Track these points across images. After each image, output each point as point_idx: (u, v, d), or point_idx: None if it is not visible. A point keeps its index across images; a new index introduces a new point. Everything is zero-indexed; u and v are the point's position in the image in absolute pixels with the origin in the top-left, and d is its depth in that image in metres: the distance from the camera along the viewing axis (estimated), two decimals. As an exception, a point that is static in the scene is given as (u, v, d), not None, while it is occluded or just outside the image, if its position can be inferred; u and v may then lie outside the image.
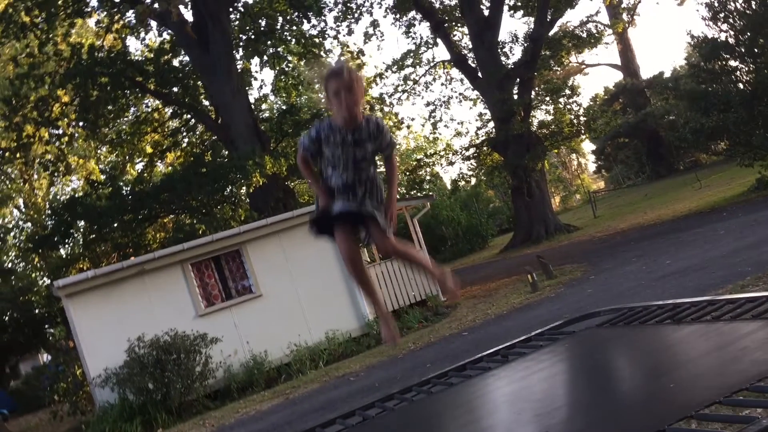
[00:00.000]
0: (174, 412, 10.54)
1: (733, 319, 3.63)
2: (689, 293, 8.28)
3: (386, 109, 29.45)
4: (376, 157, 3.05)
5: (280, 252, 12.70)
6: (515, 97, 24.89)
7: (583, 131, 27.62)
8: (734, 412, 2.84)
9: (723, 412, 2.81)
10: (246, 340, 11.95)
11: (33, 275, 31.74)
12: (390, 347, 9.48)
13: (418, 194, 27.31)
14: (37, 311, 27.42)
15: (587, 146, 49.44)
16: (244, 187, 18.95)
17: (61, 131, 23.88)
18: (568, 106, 26.87)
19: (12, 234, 34.05)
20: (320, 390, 9.54)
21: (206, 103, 24.23)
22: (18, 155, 23.63)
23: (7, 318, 26.91)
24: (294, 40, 26.45)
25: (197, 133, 26.40)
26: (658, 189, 32.97)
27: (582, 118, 26.96)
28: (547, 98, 27.29)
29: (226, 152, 21.74)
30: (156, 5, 19.31)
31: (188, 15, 21.97)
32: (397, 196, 3.28)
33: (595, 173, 58.95)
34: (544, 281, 13.48)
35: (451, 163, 29.52)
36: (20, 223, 35.06)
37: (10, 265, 32.80)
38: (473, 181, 33.52)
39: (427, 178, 34.18)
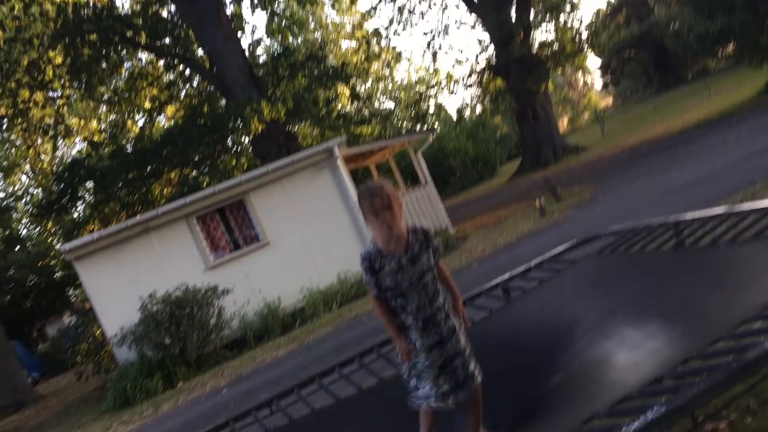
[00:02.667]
0: (193, 365, 10.65)
1: (737, 236, 3.48)
2: (698, 206, 8.08)
3: (383, 43, 28.79)
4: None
5: (284, 198, 12.57)
6: (513, 18, 24.17)
7: (586, 48, 26.92)
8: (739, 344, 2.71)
9: (731, 344, 2.69)
10: (258, 289, 11.95)
11: (49, 240, 31.97)
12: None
13: (423, 127, 26.97)
14: (57, 275, 27.79)
15: (593, 63, 48.43)
16: (244, 136, 18.72)
17: (56, 93, 23.58)
18: (569, 23, 26.12)
19: (23, 201, 34.18)
20: (334, 333, 9.56)
21: (200, 53, 23.76)
22: (17, 121, 23.44)
23: (29, 284, 27.31)
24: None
25: (194, 84, 26.01)
26: (667, 100, 32.33)
27: (584, 34, 26.24)
28: (547, 16, 26.49)
29: (224, 101, 21.42)
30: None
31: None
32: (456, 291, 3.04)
33: (602, 90, 57.90)
34: (553, 205, 13.32)
35: (452, 93, 29.02)
36: (30, 189, 35.14)
37: (24, 232, 33.08)
38: (478, 109, 33.04)
39: (431, 110, 33.68)
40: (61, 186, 18.65)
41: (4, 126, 24.96)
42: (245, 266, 12.19)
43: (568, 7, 26.30)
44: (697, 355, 2.42)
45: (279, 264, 12.23)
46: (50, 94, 23.60)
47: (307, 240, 12.43)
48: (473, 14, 27.08)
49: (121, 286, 11.36)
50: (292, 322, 11.69)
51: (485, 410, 2.90)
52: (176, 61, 23.71)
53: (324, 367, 4.33)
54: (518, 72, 23.92)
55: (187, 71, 24.81)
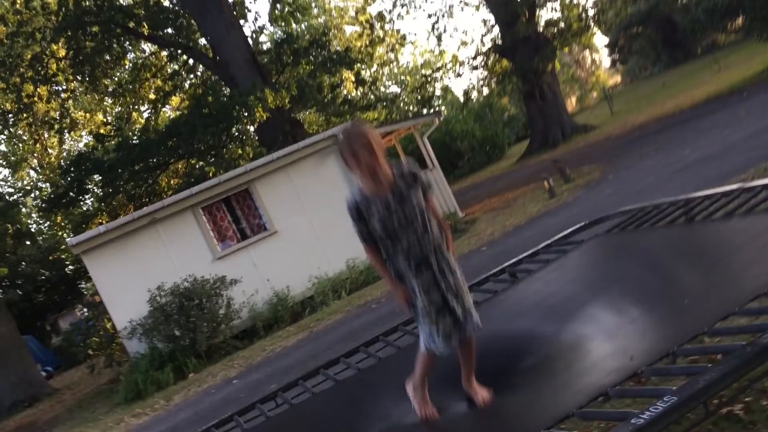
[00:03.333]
0: (203, 356, 10.62)
1: (748, 212, 3.36)
2: (710, 183, 7.95)
3: (387, 27, 28.52)
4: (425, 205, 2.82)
5: (290, 186, 12.48)
6: (518, -3, 23.85)
7: (592, 25, 26.57)
8: (750, 322, 2.61)
9: (741, 322, 2.58)
10: (267, 278, 11.90)
11: (59, 233, 32.10)
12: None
13: (429, 111, 26.73)
14: (69, 268, 27.95)
15: (600, 41, 47.91)
16: (249, 124, 18.63)
17: (61, 87, 23.56)
18: (575, 1, 25.75)
19: (31, 195, 34.29)
20: (343, 321, 9.50)
21: (203, 42, 23.62)
22: (22, 116, 23.45)
23: (41, 278, 27.47)
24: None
25: (198, 74, 25.90)
26: (676, 76, 31.94)
27: (591, 12, 25.89)
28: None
29: (228, 90, 21.31)
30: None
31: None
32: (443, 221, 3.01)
33: (610, 68, 57.33)
34: (562, 186, 13.17)
35: (459, 75, 28.75)
36: (38, 184, 35.24)
37: (34, 226, 33.21)
38: (485, 91, 32.74)
39: (438, 93, 33.40)
40: (68, 180, 18.65)
41: (11, 122, 25.00)
42: (253, 256, 12.13)
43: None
44: (708, 331, 2.32)
45: (287, 252, 12.16)
46: (54, 87, 23.58)
47: (314, 227, 12.35)
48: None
49: (130, 279, 11.32)
50: (301, 310, 11.64)
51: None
52: (179, 51, 23.59)
53: (330, 356, 4.28)
54: (524, 52, 23.65)
55: (191, 61, 24.68)
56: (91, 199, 24.58)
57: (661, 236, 3.62)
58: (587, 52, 53.67)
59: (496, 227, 11.87)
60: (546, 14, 26.63)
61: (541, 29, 25.12)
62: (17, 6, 21.30)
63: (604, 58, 56.11)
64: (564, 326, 2.96)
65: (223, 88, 21.86)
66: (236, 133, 19.38)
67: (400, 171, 2.77)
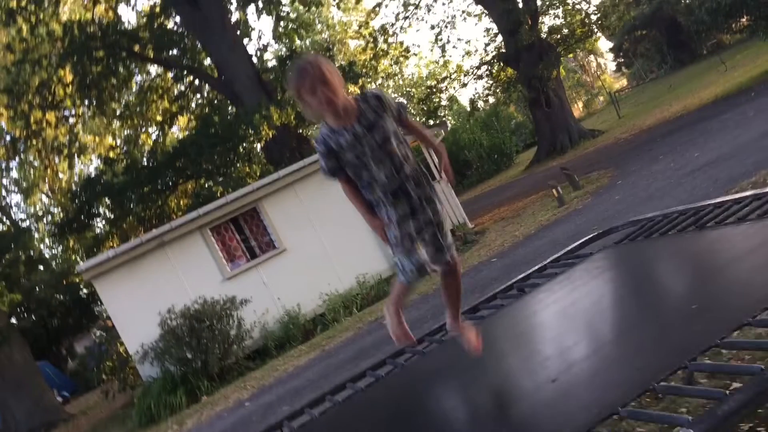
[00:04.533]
0: (215, 378, 10.57)
1: (761, 217, 3.26)
2: (720, 186, 7.84)
3: (390, 40, 28.57)
4: (400, 131, 2.71)
5: (298, 203, 12.45)
6: (520, 5, 23.85)
7: (596, 30, 26.52)
8: (765, 336, 2.51)
9: (752, 335, 2.48)
10: (277, 297, 11.85)
11: (72, 257, 32.24)
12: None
13: (435, 121, 26.68)
14: (83, 291, 28.01)
15: (604, 45, 47.82)
16: (256, 142, 18.65)
17: (68, 112, 23.73)
18: (578, 6, 25.73)
19: (43, 220, 34.50)
20: (354, 338, 9.41)
21: (208, 62, 23.74)
22: (31, 143, 23.61)
23: (55, 303, 27.54)
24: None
25: (205, 93, 26.03)
26: (683, 78, 31.79)
27: (594, 17, 25.83)
28: (554, 1, 26.11)
29: (234, 109, 21.37)
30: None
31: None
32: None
33: (615, 72, 57.21)
34: (571, 193, 13.06)
35: (464, 85, 28.73)
36: (50, 209, 35.46)
37: (47, 251, 33.38)
38: (491, 99, 32.70)
39: (444, 103, 33.36)
40: (78, 205, 18.72)
41: (21, 148, 25.18)
42: (263, 274, 12.08)
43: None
44: (721, 343, 2.22)
45: (296, 270, 12.10)
46: (62, 113, 23.75)
47: (323, 244, 12.30)
48: (479, 5, 26.79)
49: (141, 302, 11.30)
50: (312, 328, 11.57)
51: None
52: (184, 72, 23.73)
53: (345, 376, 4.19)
54: (528, 59, 23.61)
55: (196, 81, 24.81)
56: (102, 222, 24.69)
57: (671, 246, 3.53)
58: (592, 57, 53.60)
59: (506, 237, 11.77)
60: (549, 21, 26.52)
61: (544, 36, 25.09)
62: (23, 34, 21.51)
63: (609, 62, 56.02)
64: (572, 340, 2.87)
65: (229, 107, 21.95)
66: (243, 152, 19.39)
67: (363, 98, 2.64)
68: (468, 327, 2.82)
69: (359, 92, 2.71)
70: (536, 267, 4.28)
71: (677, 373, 2.14)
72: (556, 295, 3.52)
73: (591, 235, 4.44)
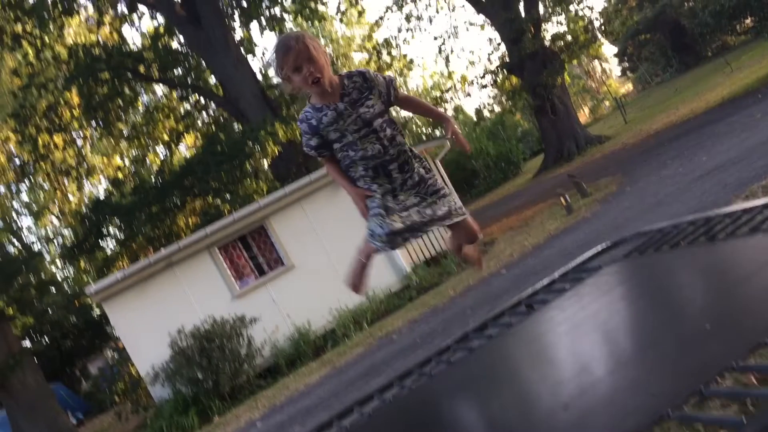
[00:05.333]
0: (227, 398, 10.52)
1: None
2: (730, 190, 7.75)
3: (394, 52, 28.62)
4: (389, 111, 2.63)
5: (305, 219, 12.43)
6: (522, 14, 23.85)
7: (599, 36, 26.46)
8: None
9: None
10: (286, 314, 11.81)
11: (84, 278, 32.36)
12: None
13: (442, 132, 26.65)
14: (95, 312, 28.06)
15: (608, 50, 47.74)
16: (262, 159, 18.68)
17: (76, 134, 23.88)
18: (580, 13, 25.67)
19: (54, 242, 34.68)
20: (364, 354, 9.34)
21: (213, 80, 23.84)
22: (39, 166, 23.74)
23: (68, 324, 27.60)
24: (288, -2, 25.68)
25: (211, 111, 26.13)
26: (688, 81, 31.66)
27: (597, 23, 25.78)
28: (557, 8, 26.09)
29: (240, 126, 21.44)
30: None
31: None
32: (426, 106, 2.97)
33: (621, 76, 57.10)
34: (579, 201, 12.97)
35: (468, 95, 28.71)
36: (61, 231, 35.65)
37: (59, 273, 33.51)
38: (496, 108, 32.69)
39: (450, 113, 33.37)
40: (87, 227, 18.77)
41: (30, 171, 25.33)
42: (272, 292, 12.05)
43: (577, -3, 25.87)
44: (737, 367, 2.14)
45: (305, 286, 12.06)
46: (70, 135, 23.89)
47: (331, 259, 12.25)
48: (481, 14, 26.80)
49: (150, 323, 11.29)
50: (323, 344, 11.51)
51: None
52: (190, 91, 23.84)
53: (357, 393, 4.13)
54: (532, 68, 23.57)
55: (202, 100, 24.92)
56: (113, 242, 24.75)
57: (681, 260, 3.45)
58: (597, 62, 53.54)
59: (515, 248, 11.68)
60: (552, 28, 26.48)
61: (547, 44, 25.05)
62: (29, 58, 21.68)
63: (614, 67, 55.95)
64: (583, 362, 2.79)
65: (235, 125, 22.02)
66: (250, 169, 19.42)
67: (348, 75, 2.56)
68: (474, 250, 2.77)
69: (346, 72, 2.63)
70: (544, 282, 4.19)
71: (692, 399, 2.07)
72: (566, 313, 3.45)
73: (599, 248, 4.36)
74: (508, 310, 4.01)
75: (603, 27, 25.59)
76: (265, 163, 20.05)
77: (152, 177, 23.82)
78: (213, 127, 25.29)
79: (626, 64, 49.69)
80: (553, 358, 3.05)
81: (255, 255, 12.33)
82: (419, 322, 9.57)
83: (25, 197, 33.72)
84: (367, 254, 2.79)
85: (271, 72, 27.88)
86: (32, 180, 30.18)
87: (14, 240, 32.47)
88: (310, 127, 2.54)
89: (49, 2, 20.31)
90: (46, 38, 21.11)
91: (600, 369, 2.64)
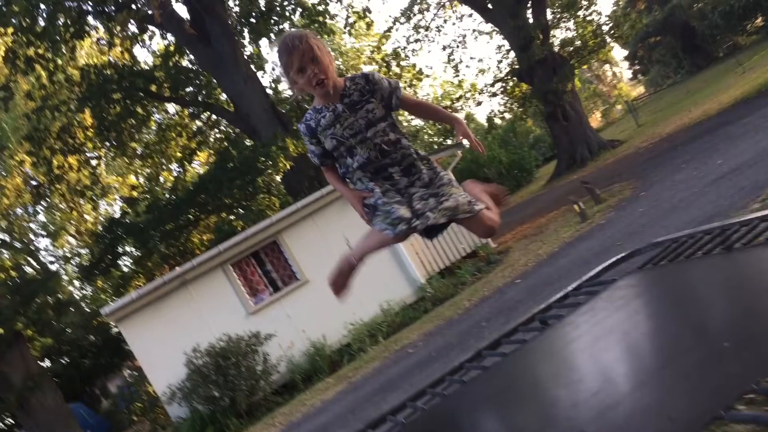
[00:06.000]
0: (244, 415, 10.49)
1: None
2: (746, 194, 7.64)
3: (403, 63, 28.66)
4: (392, 116, 2.53)
5: (318, 233, 12.41)
6: (530, 21, 23.80)
7: (609, 40, 26.36)
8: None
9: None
10: (302, 329, 11.77)
11: (102, 297, 32.52)
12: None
13: (453, 141, 26.61)
14: (114, 330, 28.14)
15: (618, 54, 47.56)
16: (274, 174, 18.72)
17: (90, 155, 24.09)
18: (589, 18, 25.60)
19: (72, 263, 34.88)
20: (380, 368, 9.28)
21: (224, 97, 23.97)
22: (54, 187, 23.94)
23: (86, 344, 27.71)
24: (296, 12, 25.80)
25: (222, 128, 26.27)
26: (700, 82, 31.43)
27: (605, 27, 25.70)
28: (565, 14, 26.04)
29: (251, 142, 21.51)
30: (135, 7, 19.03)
31: (184, 13, 21.65)
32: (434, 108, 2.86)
33: (632, 79, 56.83)
34: (593, 207, 12.86)
35: (479, 104, 28.65)
36: (78, 250, 35.87)
37: (77, 293, 33.69)
38: (507, 116, 32.61)
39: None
40: (102, 247, 18.89)
41: (46, 193, 25.56)
42: (286, 307, 12.02)
43: (585, 2, 25.80)
44: (759, 389, 2.06)
45: (320, 301, 11.98)
46: (84, 156, 24.09)
47: (345, 273, 12.19)
48: (489, 23, 26.79)
49: (166, 342, 11.29)
50: (339, 359, 11.45)
51: None
52: (201, 108, 23.99)
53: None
54: (542, 74, 23.50)
55: (213, 117, 25.06)
56: (129, 261, 24.87)
57: (697, 271, 3.37)
58: (607, 66, 53.33)
59: (530, 256, 11.59)
60: (560, 34, 26.41)
61: (556, 49, 24.98)
62: (42, 81, 21.90)
63: (624, 70, 55.72)
64: (598, 383, 2.71)
65: (246, 141, 22.11)
66: (263, 184, 19.47)
67: (352, 78, 2.49)
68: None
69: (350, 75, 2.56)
70: (558, 296, 4.12)
71: (713, 424, 1.99)
72: (580, 329, 3.38)
73: (613, 260, 4.29)
74: (521, 326, 3.94)
75: (612, 31, 25.48)
76: (278, 178, 20.09)
77: (166, 194, 23.95)
78: (225, 143, 25.42)
79: (637, 67, 49.45)
80: (567, 379, 2.98)
81: (269, 271, 12.32)
82: (434, 335, 9.50)
83: (42, 217, 34.00)
84: (365, 250, 2.71)
85: (282, 85, 28.05)
86: (48, 201, 30.46)
87: (32, 261, 32.72)
88: (308, 129, 2.47)
89: (60, 25, 20.52)
90: (59, 61, 21.32)
91: (616, 391, 2.57)
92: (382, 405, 6.53)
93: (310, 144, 2.51)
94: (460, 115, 31.49)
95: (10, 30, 19.76)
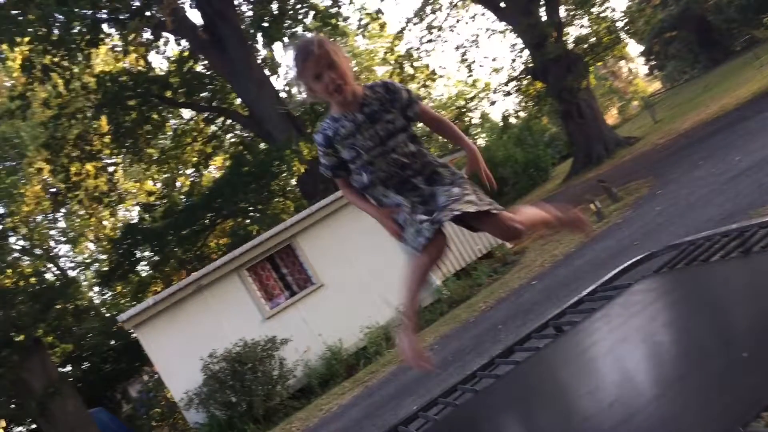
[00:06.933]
0: (261, 420, 10.49)
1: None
2: (765, 191, 7.50)
3: (416, 64, 28.60)
4: (411, 127, 2.42)
5: (332, 236, 12.38)
6: (543, 19, 23.63)
7: (623, 36, 26.11)
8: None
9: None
10: (318, 333, 11.74)
11: (121, 302, 32.73)
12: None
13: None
14: (133, 335, 28.29)
15: (634, 49, 47.17)
16: (289, 178, 18.75)
17: (107, 161, 24.28)
18: (603, 14, 25.36)
19: (91, 268, 35.17)
20: (396, 372, 9.23)
21: (238, 101, 24.05)
22: (73, 194, 24.13)
23: (106, 349, 27.92)
24: (309, 15, 25.82)
25: (237, 132, 26.37)
26: (718, 77, 31.07)
27: (620, 23, 25.47)
28: (579, 11, 25.81)
29: (266, 146, 21.56)
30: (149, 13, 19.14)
31: (198, 18, 21.78)
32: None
33: (648, 75, 56.30)
34: (610, 206, 12.73)
35: (493, 103, 28.51)
36: (97, 256, 36.16)
37: (97, 298, 33.97)
38: (522, 114, 32.42)
39: (476, 121, 33.18)
40: (119, 253, 19.01)
41: (65, 200, 25.79)
42: (302, 312, 12.01)
43: (598, -2, 25.55)
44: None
45: (336, 305, 12.00)
46: (101, 162, 24.29)
47: (360, 276, 12.18)
48: (503, 22, 26.65)
49: (182, 348, 11.32)
50: (355, 362, 11.42)
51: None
52: (216, 113, 24.10)
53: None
54: (556, 72, 23.32)
55: (228, 121, 25.16)
56: (147, 266, 25.05)
57: (715, 276, 3.28)
58: (623, 63, 52.90)
59: (546, 257, 11.49)
60: (574, 31, 26.19)
61: (571, 47, 24.77)
62: (59, 89, 22.09)
63: (640, 66, 55.21)
64: (613, 395, 2.64)
65: (261, 145, 22.17)
66: (278, 188, 19.50)
67: (371, 86, 2.37)
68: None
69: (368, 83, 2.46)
70: (572, 301, 4.04)
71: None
72: (594, 337, 3.30)
73: (628, 263, 4.20)
74: (535, 333, 3.87)
75: (627, 27, 25.22)
76: (292, 182, 20.12)
77: (182, 199, 24.08)
78: (240, 147, 25.51)
79: (653, 63, 48.99)
80: (580, 390, 2.91)
81: (284, 275, 12.32)
82: (450, 338, 9.44)
83: (61, 224, 34.32)
84: (411, 309, 2.47)
85: (294, 90, 28.07)
86: (68, 207, 30.72)
87: (52, 267, 33.04)
88: (325, 139, 2.35)
89: (75, 33, 20.68)
90: (75, 69, 21.50)
91: (630, 403, 2.49)
92: (398, 411, 6.49)
93: (324, 156, 2.40)
94: (475, 115, 31.37)
95: (26, 39, 19.93)
